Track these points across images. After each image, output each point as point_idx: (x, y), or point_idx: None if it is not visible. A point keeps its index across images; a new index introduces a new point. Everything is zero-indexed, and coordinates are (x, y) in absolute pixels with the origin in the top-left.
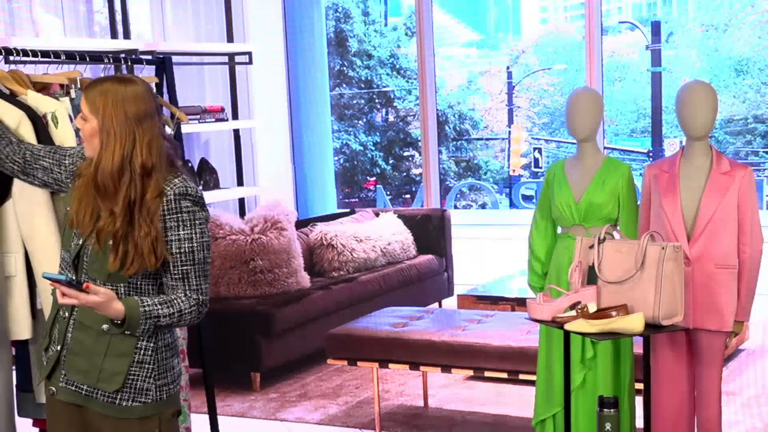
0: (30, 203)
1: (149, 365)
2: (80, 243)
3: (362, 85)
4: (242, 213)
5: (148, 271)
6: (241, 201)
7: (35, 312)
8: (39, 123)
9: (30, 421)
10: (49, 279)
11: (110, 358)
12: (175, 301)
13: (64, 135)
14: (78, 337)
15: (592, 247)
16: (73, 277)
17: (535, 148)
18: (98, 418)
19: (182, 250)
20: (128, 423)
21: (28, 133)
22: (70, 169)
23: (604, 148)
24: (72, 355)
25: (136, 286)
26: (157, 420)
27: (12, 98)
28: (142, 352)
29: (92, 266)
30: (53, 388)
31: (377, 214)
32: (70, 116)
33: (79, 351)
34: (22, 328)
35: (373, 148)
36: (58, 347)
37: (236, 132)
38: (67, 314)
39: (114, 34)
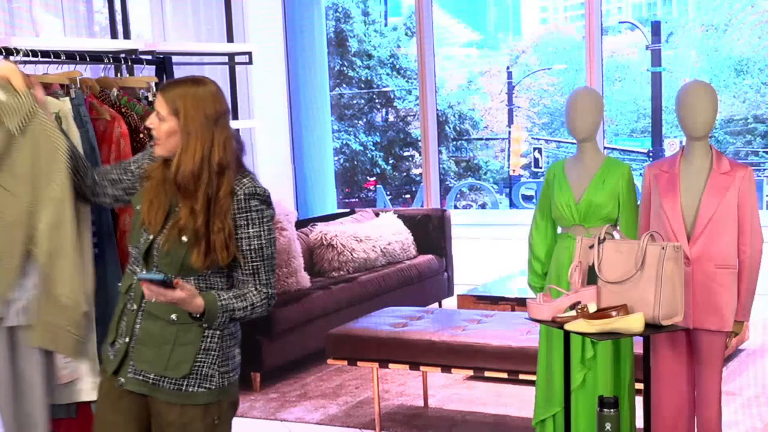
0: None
1: (215, 352)
2: (150, 239)
3: (362, 85)
4: None
5: (219, 266)
6: None
7: None
8: None
9: None
10: (145, 279)
11: (178, 347)
12: (248, 295)
13: (69, 134)
14: (146, 328)
15: (592, 247)
16: (170, 276)
17: (535, 148)
18: (163, 406)
19: (252, 247)
20: (193, 409)
21: None
22: (137, 173)
23: (604, 148)
24: (140, 345)
25: (206, 279)
26: (217, 409)
27: None
28: (208, 339)
29: (164, 260)
30: (122, 379)
31: (377, 214)
32: (72, 116)
33: (147, 341)
34: None
35: (373, 148)
36: (127, 339)
37: (236, 132)
38: (135, 306)
39: (114, 34)
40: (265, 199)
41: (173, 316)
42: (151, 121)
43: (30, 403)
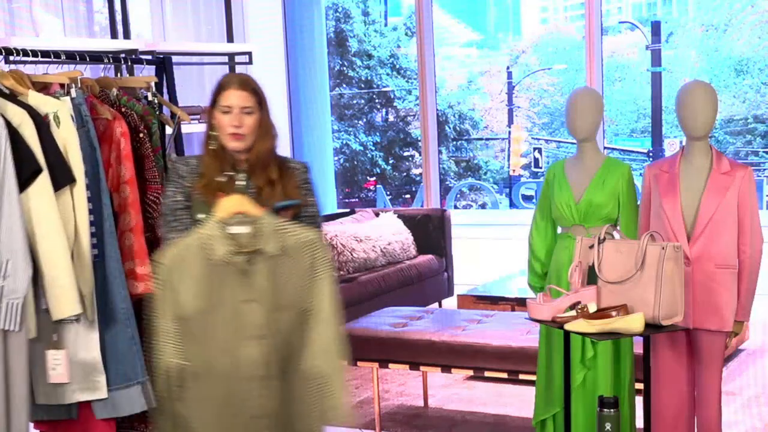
0: (39, 201)
1: None
2: None
3: (362, 85)
4: None
5: None
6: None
7: (39, 311)
8: (41, 123)
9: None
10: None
11: None
12: None
13: (66, 135)
14: None
15: (592, 247)
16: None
17: (535, 148)
18: None
19: (309, 214)
20: None
21: (30, 133)
22: (185, 201)
23: (604, 148)
24: None
25: None
26: None
27: (13, 98)
28: None
29: None
30: None
31: (377, 214)
32: (71, 116)
33: None
34: (29, 327)
35: (373, 148)
36: None
37: None
38: None
39: (114, 34)
40: None
41: None
42: (238, 120)
43: (12, 402)
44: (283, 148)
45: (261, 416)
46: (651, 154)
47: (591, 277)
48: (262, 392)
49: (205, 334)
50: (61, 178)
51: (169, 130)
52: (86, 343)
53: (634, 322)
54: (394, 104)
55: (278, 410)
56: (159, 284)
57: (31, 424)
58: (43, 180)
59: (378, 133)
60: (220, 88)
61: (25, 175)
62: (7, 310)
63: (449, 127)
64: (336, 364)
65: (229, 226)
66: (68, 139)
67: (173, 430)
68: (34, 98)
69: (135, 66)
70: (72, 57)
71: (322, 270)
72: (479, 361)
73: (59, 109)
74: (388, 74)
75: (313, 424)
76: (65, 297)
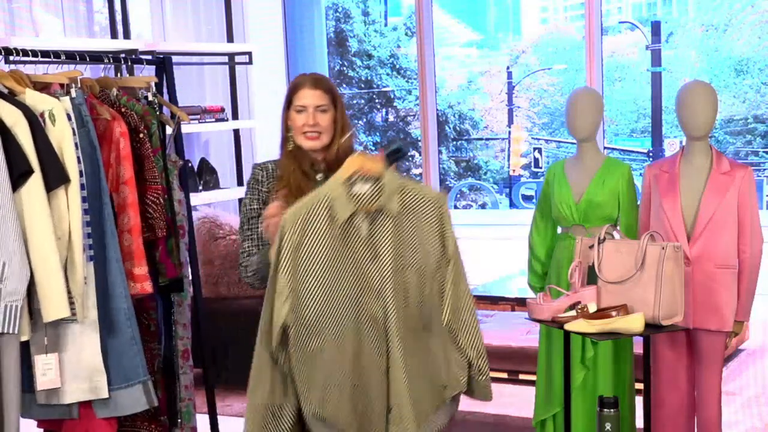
0: (29, 202)
1: None
2: None
3: (362, 85)
4: None
5: None
6: (242, 201)
7: (32, 313)
8: (36, 123)
9: (35, 422)
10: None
11: None
12: None
13: (61, 133)
14: None
15: (592, 247)
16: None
17: (535, 148)
18: None
19: None
20: None
21: (23, 133)
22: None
23: (604, 148)
24: None
25: None
26: None
27: (10, 97)
28: None
29: None
30: None
31: None
32: (68, 115)
33: None
34: (23, 327)
35: (373, 148)
36: None
37: (236, 132)
38: None
39: (114, 34)
40: None
41: None
42: (313, 119)
43: (4, 400)
44: None
45: (394, 370)
46: (651, 154)
47: (591, 277)
48: (392, 349)
49: (328, 293)
50: (54, 179)
51: (169, 130)
52: (86, 343)
53: (634, 322)
54: (394, 104)
55: (417, 365)
56: (280, 240)
57: (35, 423)
58: (34, 181)
59: (378, 133)
60: (293, 89)
61: (15, 175)
62: (6, 312)
63: (449, 127)
64: (467, 320)
65: (352, 185)
66: (63, 137)
67: (274, 393)
68: (32, 97)
69: (135, 66)
70: (72, 57)
71: (449, 228)
72: None
73: (54, 107)
74: (388, 74)
75: (452, 379)
76: (53, 299)
